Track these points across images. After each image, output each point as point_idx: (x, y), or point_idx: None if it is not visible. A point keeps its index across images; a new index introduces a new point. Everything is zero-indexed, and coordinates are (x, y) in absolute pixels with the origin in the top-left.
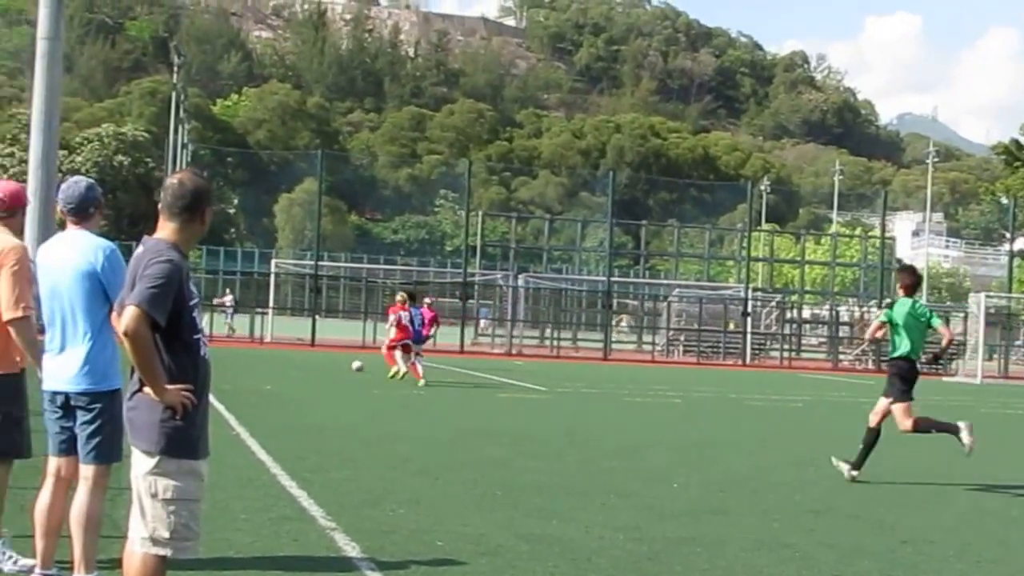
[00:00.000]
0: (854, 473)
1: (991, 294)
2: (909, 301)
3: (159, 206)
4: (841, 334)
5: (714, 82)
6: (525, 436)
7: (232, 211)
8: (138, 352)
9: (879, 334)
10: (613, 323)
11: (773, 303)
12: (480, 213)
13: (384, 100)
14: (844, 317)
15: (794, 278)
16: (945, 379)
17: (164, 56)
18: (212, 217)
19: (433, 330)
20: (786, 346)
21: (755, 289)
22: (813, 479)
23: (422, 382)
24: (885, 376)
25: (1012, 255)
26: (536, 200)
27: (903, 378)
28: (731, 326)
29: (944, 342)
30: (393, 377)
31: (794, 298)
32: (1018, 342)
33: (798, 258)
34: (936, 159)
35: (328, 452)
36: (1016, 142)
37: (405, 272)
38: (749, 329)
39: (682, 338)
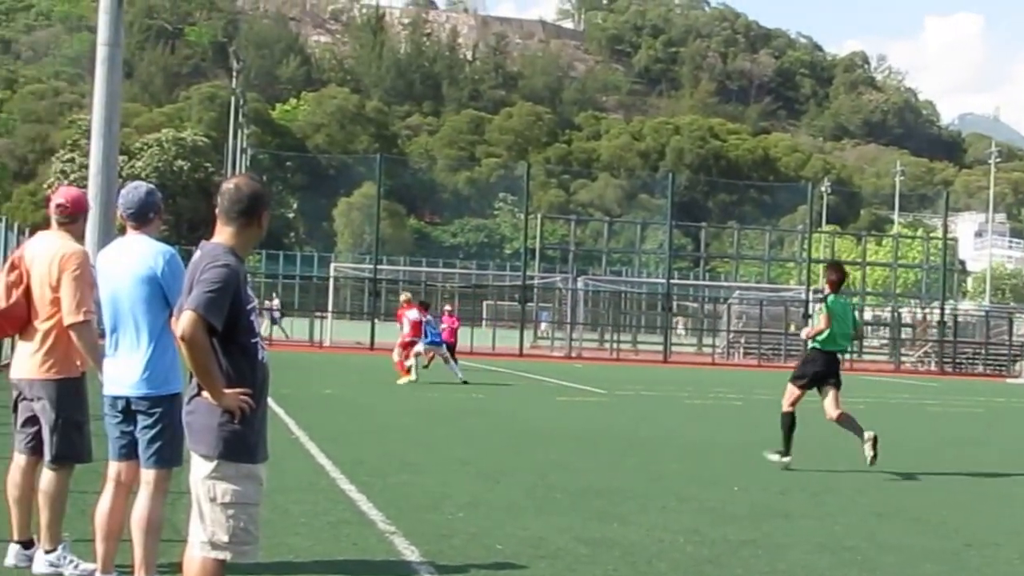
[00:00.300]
0: (868, 450)
1: None
2: (838, 298)
3: (216, 211)
4: (903, 336)
5: (774, 83)
6: (585, 439)
7: (291, 215)
8: (195, 356)
9: (816, 332)
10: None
11: None
12: (539, 216)
13: (442, 103)
14: (906, 319)
15: (855, 280)
16: (1009, 381)
17: (223, 61)
18: (270, 221)
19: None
20: (848, 348)
21: (816, 291)
22: (875, 482)
23: (411, 378)
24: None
25: None
26: (595, 202)
27: (810, 365)
28: (792, 328)
29: (853, 336)
30: (411, 381)
31: (855, 300)
32: None
33: (859, 259)
34: (998, 159)
35: (387, 456)
36: None
37: (464, 275)
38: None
39: (742, 340)
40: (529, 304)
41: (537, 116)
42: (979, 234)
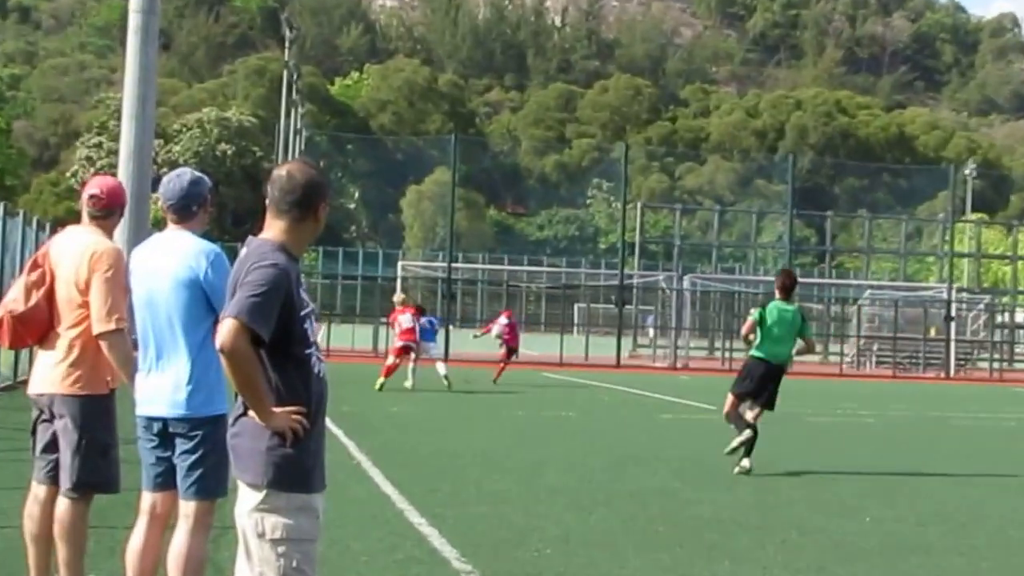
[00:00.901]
0: (745, 464)
1: None
2: (783, 304)
3: (266, 202)
4: None
5: (910, 50)
6: (692, 463)
7: (352, 206)
8: (237, 371)
9: (751, 335)
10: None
11: (981, 305)
12: (639, 205)
13: (527, 76)
14: None
15: (1006, 276)
16: None
17: (274, 30)
18: (328, 214)
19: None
20: (997, 355)
21: (960, 289)
22: None
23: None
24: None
25: None
26: (704, 189)
27: (748, 375)
28: (932, 333)
29: (802, 349)
30: (380, 389)
31: (1006, 299)
32: None
33: (1010, 252)
34: None
35: (464, 483)
36: None
37: (553, 274)
38: (953, 336)
39: (875, 347)
40: (627, 307)
41: (636, 90)
42: None
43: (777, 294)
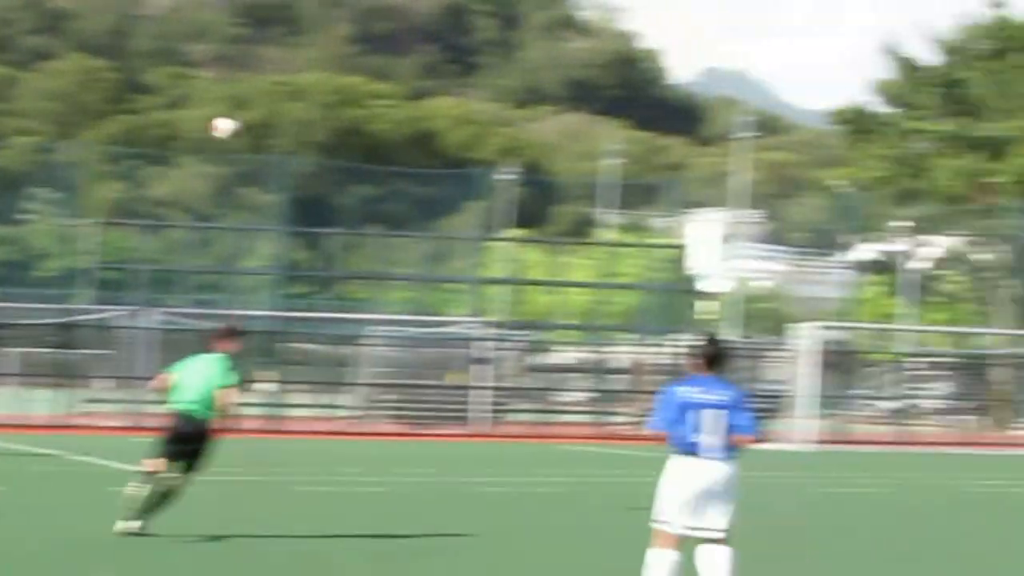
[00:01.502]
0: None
1: (827, 324)
2: (212, 357)
3: None
4: (613, 387)
5: (438, 25)
6: (151, 546)
7: None
8: None
9: (163, 385)
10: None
11: (517, 343)
12: (94, 221)
13: None
14: (619, 362)
15: (549, 307)
16: (766, 447)
17: None
18: None
19: None
20: (535, 405)
21: (491, 324)
22: None
23: None
24: None
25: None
26: (178, 199)
27: (168, 434)
28: (456, 378)
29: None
30: None
31: (548, 335)
32: (864, 389)
33: (555, 278)
34: (755, 133)
35: None
36: (860, 109)
37: None
38: (485, 382)
39: (385, 397)
40: (76, 351)
41: (91, 74)
42: (730, 239)
43: (217, 348)
